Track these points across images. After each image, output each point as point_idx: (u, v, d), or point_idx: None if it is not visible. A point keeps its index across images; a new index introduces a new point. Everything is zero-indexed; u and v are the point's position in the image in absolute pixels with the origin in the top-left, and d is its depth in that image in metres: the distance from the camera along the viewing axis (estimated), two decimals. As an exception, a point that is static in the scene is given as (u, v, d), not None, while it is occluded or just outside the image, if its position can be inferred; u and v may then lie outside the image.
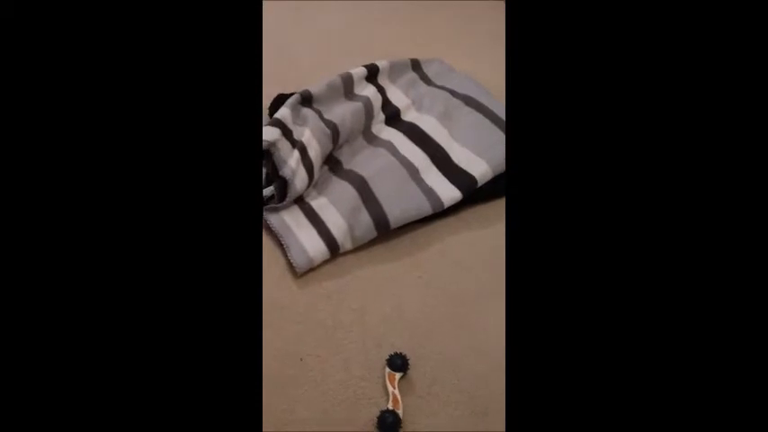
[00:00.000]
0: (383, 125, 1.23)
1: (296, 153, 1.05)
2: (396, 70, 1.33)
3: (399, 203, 1.04)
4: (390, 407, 0.81)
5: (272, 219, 1.01)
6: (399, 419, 0.80)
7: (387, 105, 1.26)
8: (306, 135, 1.08)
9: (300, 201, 1.05)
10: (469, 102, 1.27)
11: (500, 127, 1.22)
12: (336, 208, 1.02)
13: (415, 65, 1.37)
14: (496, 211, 1.12)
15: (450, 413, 0.83)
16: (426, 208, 1.06)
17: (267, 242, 1.00)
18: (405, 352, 0.87)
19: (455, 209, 1.10)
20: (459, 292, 0.98)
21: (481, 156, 1.15)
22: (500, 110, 1.26)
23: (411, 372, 0.86)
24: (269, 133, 1.05)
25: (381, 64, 1.30)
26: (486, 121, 1.23)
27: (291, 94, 1.19)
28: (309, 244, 0.97)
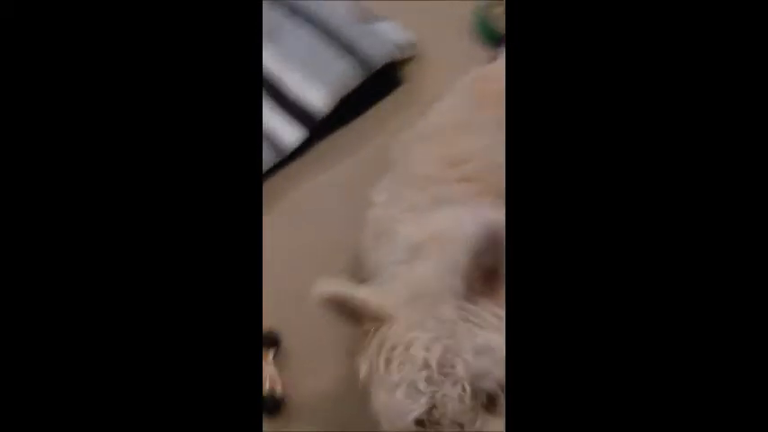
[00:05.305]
0: None
1: None
2: None
3: None
4: (268, 388, 0.76)
5: None
6: (279, 399, 0.75)
7: None
8: None
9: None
10: (296, 11, 1.00)
11: (335, 40, 0.96)
12: None
13: None
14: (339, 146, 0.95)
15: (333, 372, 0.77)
16: (269, 158, 0.88)
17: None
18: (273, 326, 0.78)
19: (300, 151, 0.92)
20: (319, 244, 0.86)
21: (317, 79, 0.93)
22: (335, 18, 0.98)
23: (286, 342, 0.79)
24: None
25: None
26: (320, 35, 0.97)
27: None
28: None
